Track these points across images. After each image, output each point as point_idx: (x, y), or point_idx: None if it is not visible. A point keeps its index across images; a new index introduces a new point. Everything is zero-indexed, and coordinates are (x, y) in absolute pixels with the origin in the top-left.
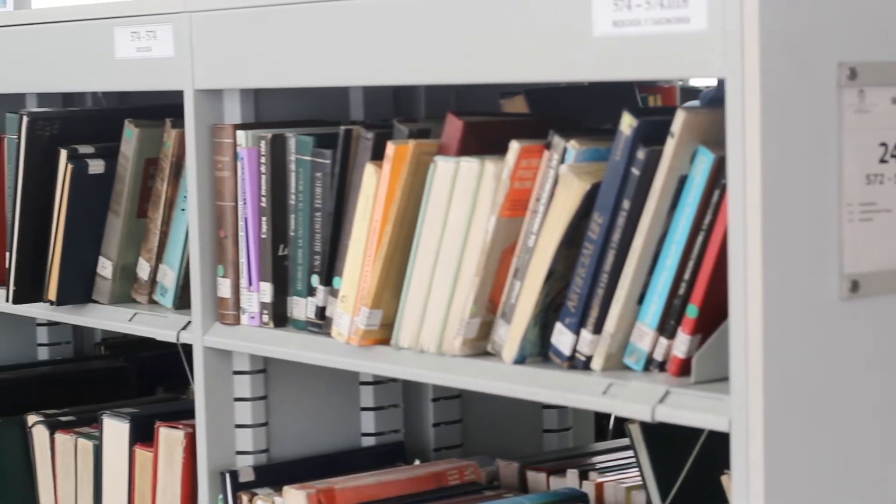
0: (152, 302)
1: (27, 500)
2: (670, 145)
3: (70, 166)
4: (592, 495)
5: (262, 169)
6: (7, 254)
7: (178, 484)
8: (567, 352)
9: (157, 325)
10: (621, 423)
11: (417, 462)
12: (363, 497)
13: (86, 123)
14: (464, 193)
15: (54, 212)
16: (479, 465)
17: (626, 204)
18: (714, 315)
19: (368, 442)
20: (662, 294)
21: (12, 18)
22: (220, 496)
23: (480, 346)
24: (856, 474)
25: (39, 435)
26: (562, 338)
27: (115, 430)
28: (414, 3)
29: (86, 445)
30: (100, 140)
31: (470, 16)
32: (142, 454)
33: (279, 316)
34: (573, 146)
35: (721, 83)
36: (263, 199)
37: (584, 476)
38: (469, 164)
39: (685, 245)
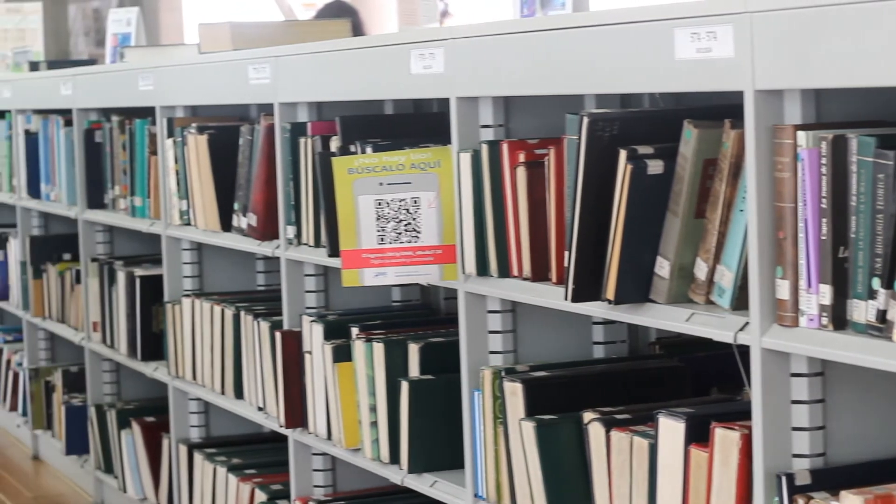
0: (709, 302)
1: (582, 496)
2: None
3: (629, 167)
4: None
5: (823, 170)
6: (566, 253)
7: (732, 485)
8: None
9: (714, 325)
10: None
11: None
12: None
13: (644, 124)
14: None
15: (613, 211)
16: None
17: None
18: None
19: None
20: None
21: (571, 21)
22: (776, 499)
23: None
24: None
25: (595, 432)
26: None
27: (671, 429)
28: None
29: (641, 444)
30: (658, 140)
31: None
32: (697, 454)
33: (838, 318)
34: None
35: None
36: (824, 200)
37: None
38: None
39: None
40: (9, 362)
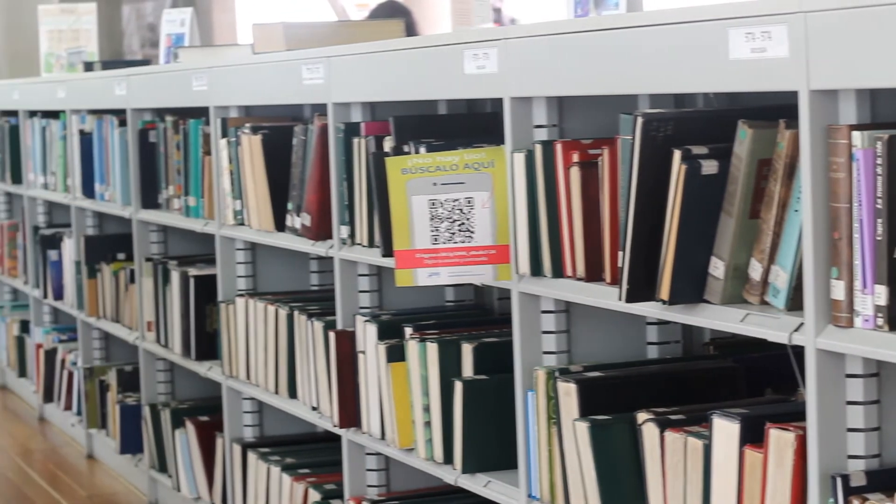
0: (763, 303)
1: (636, 497)
2: None
3: (684, 167)
4: None
5: (878, 170)
6: (620, 253)
7: (787, 486)
8: None
9: (768, 326)
10: None
11: None
12: None
13: (699, 124)
14: None
15: (667, 212)
16: None
17: None
18: None
19: None
20: None
21: (625, 21)
22: (831, 500)
23: None
24: None
25: (649, 433)
26: None
27: (725, 430)
28: None
29: (695, 445)
30: (713, 140)
31: None
32: (751, 455)
33: (893, 319)
34: None
35: None
36: (879, 200)
37: None
38: None
39: None
40: (63, 362)
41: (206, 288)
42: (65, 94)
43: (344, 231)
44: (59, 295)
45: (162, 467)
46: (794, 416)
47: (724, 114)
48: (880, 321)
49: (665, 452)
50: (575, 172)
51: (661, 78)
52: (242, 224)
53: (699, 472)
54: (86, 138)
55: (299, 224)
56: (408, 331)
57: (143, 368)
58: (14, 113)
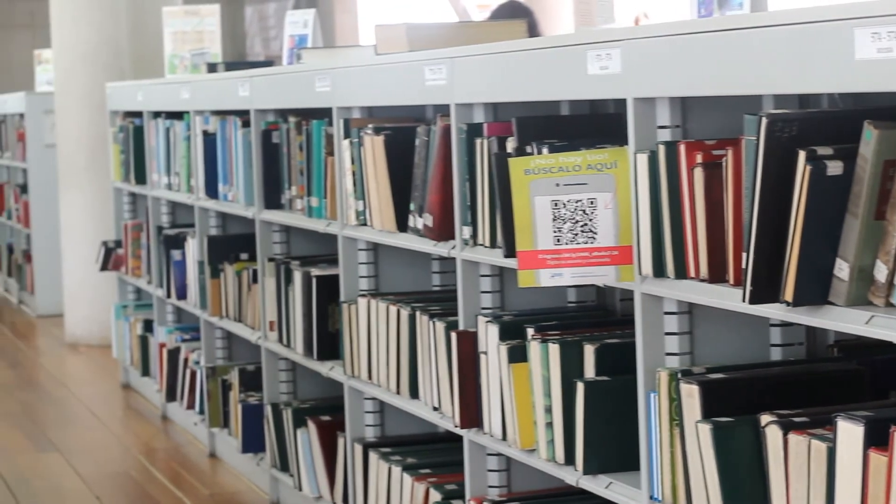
0: (889, 305)
1: (759, 499)
2: None
3: (808, 168)
4: None
5: None
6: (744, 254)
7: None
8: None
9: (894, 328)
10: None
11: None
12: None
13: (824, 125)
14: None
15: (791, 213)
16: None
17: None
18: None
19: None
20: None
21: (749, 21)
22: None
23: None
24: None
25: (772, 435)
26: None
27: (849, 432)
28: None
29: (819, 447)
30: (838, 141)
31: None
32: (876, 458)
33: None
34: None
35: None
36: None
37: None
38: None
39: None
40: (186, 361)
41: (329, 288)
42: (189, 95)
43: (466, 232)
44: (182, 294)
45: (283, 466)
46: None
47: (850, 114)
48: None
49: (788, 455)
50: (698, 173)
51: (785, 78)
52: (365, 224)
53: (822, 474)
54: (209, 139)
55: (421, 224)
56: (530, 332)
57: (265, 368)
58: (138, 114)
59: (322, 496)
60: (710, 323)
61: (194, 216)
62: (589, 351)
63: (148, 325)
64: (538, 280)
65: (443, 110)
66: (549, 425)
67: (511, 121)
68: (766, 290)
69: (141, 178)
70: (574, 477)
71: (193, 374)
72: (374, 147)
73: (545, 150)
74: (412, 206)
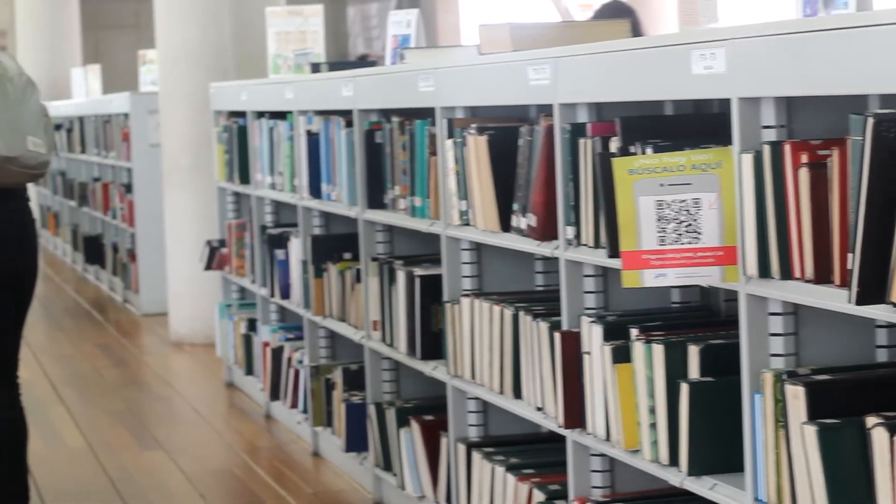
0: None
1: (865, 501)
2: None
3: None
4: None
5: None
6: (850, 255)
7: None
8: None
9: None
10: None
11: None
12: None
13: None
14: None
15: None
16: None
17: None
18: None
19: None
20: None
21: (854, 20)
22: None
23: None
24: None
25: (879, 437)
26: None
27: None
28: None
29: None
30: None
31: None
32: None
33: None
34: None
35: None
36: None
37: None
38: None
39: None
40: (290, 360)
41: (432, 288)
42: (292, 95)
43: (570, 232)
44: (285, 294)
45: (387, 466)
46: None
47: None
48: None
49: (895, 457)
50: (804, 173)
51: (891, 78)
52: (468, 224)
53: None
54: (313, 139)
55: (525, 224)
56: (633, 332)
57: (368, 367)
58: (242, 114)
59: (425, 495)
60: (816, 324)
61: (297, 216)
62: (693, 352)
63: (252, 325)
64: (642, 280)
65: (546, 110)
66: (653, 426)
67: (615, 121)
68: (872, 290)
69: (245, 178)
70: (678, 478)
71: (297, 373)
72: (478, 147)
73: (649, 150)
74: (515, 206)
